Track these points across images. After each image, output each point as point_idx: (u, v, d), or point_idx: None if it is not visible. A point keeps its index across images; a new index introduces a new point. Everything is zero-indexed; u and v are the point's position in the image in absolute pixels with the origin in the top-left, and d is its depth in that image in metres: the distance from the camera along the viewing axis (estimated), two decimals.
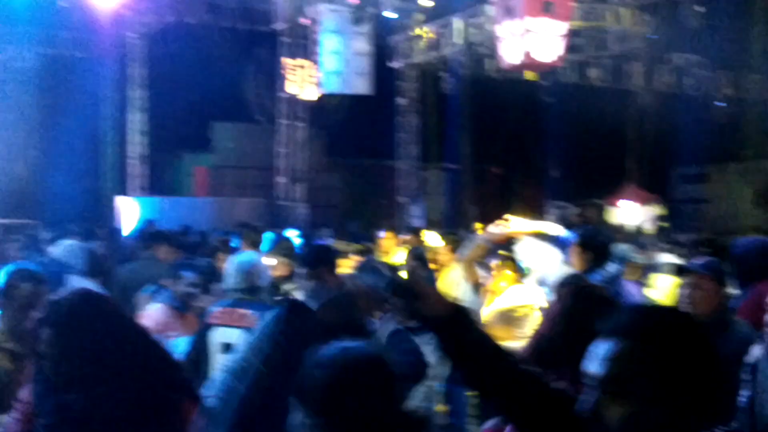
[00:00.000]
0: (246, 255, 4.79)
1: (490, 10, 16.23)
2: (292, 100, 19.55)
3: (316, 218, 19.43)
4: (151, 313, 5.41)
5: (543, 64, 14.66)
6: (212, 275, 6.23)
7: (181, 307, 5.43)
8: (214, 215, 17.17)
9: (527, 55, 14.07)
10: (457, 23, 18.54)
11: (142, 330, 2.77)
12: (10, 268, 5.10)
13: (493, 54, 16.48)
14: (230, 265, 4.54)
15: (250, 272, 4.45)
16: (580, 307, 2.54)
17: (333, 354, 1.81)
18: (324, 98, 19.67)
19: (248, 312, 4.29)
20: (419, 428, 1.92)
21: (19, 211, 17.42)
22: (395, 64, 20.71)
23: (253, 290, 4.49)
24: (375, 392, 1.77)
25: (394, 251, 8.40)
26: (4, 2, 17.87)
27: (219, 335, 4.35)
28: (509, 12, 14.24)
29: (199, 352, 4.33)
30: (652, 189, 22.88)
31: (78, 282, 6.17)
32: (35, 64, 20.99)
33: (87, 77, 20.75)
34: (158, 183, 21.26)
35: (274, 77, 20.13)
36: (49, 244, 9.72)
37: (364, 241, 9.54)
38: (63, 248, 6.94)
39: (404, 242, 8.88)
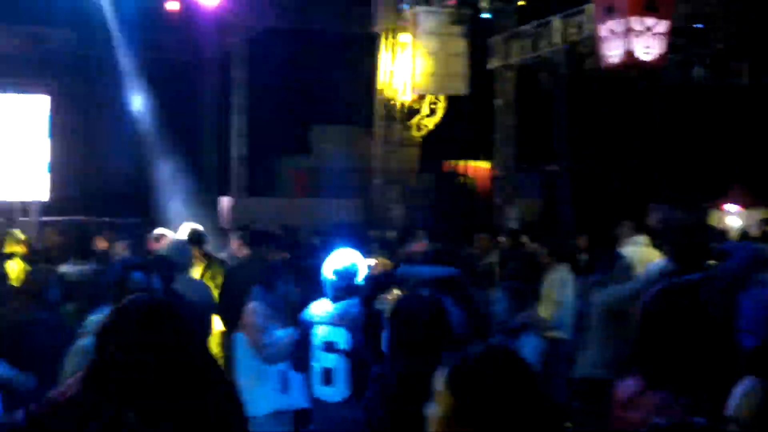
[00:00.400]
0: (345, 255, 4.87)
1: (590, 8, 15.96)
2: (389, 101, 19.69)
3: (411, 220, 19.50)
4: (255, 311, 5.55)
5: (645, 63, 14.30)
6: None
7: (283, 305, 5.56)
8: (312, 216, 17.42)
9: (629, 54, 13.78)
10: (556, 22, 18.28)
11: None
12: (121, 262, 5.33)
13: (592, 53, 16.18)
14: (330, 265, 4.61)
15: (349, 272, 4.50)
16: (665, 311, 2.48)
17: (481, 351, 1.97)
18: (420, 99, 19.72)
19: (349, 311, 4.35)
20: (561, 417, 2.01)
21: (126, 210, 18.10)
22: (492, 65, 20.56)
23: (351, 289, 4.55)
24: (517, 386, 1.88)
25: (490, 252, 8.37)
26: (114, 9, 18.61)
27: (321, 333, 4.43)
28: (611, 10, 13.97)
29: (303, 350, 4.41)
30: (758, 192, 22.00)
31: (185, 279, 6.40)
32: (140, 68, 21.79)
33: (191, 81, 21.43)
34: (258, 184, 21.72)
35: (371, 79, 20.30)
36: (155, 243, 10.09)
37: (459, 243, 9.52)
38: (170, 246, 7.21)
39: (500, 244, 8.83)
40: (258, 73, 21.00)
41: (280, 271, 5.81)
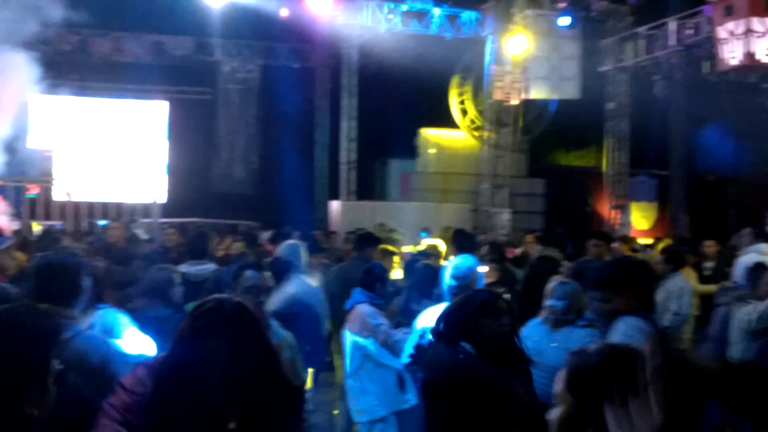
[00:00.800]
0: (462, 259, 4.87)
1: (707, 9, 15.46)
2: (497, 105, 19.59)
3: (519, 224, 19.33)
4: (358, 311, 5.64)
5: (766, 66, 13.76)
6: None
7: (384, 305, 5.63)
8: (419, 220, 17.49)
9: (749, 56, 13.29)
10: (671, 24, 17.78)
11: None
12: (238, 262, 5.52)
13: (710, 56, 15.67)
14: (447, 269, 4.63)
15: (466, 276, 4.51)
16: None
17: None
18: (530, 103, 19.55)
19: None
20: None
21: (240, 213, 18.64)
22: (604, 68, 20.17)
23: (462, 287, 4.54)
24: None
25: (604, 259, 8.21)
26: (230, 19, 19.21)
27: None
28: (730, 12, 13.51)
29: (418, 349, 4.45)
30: None
31: (299, 279, 6.56)
32: (256, 75, 22.44)
33: (303, 86, 21.88)
34: (366, 188, 21.97)
35: (479, 83, 20.27)
36: (269, 244, 10.36)
37: (572, 248, 9.39)
38: (284, 248, 7.38)
39: (613, 250, 8.67)
40: (367, 79, 21.25)
41: (381, 273, 5.88)
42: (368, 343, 5.51)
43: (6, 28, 16.72)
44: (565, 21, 18.17)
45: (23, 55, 16.01)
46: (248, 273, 5.41)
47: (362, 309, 5.66)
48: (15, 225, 13.79)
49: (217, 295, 2.68)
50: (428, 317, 4.57)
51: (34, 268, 3.59)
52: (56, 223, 15.32)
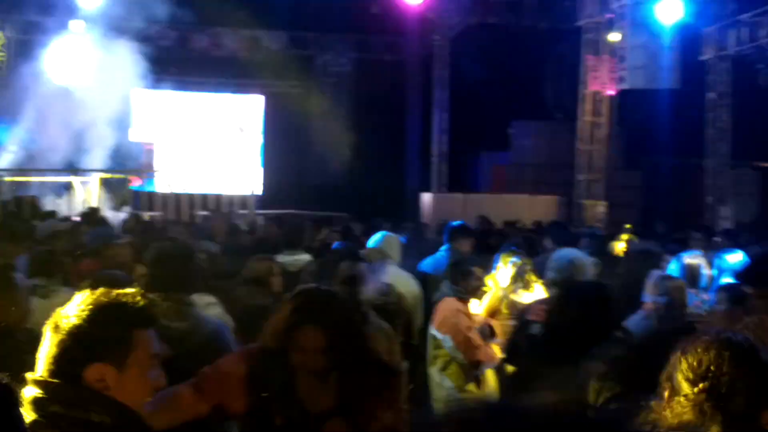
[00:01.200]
0: (567, 251, 4.76)
1: None
2: (593, 96, 19.24)
3: (614, 217, 18.94)
4: (450, 308, 5.63)
5: None
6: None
7: (468, 300, 5.58)
8: (512, 212, 17.35)
9: None
10: None
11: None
12: (335, 252, 5.59)
13: None
14: (551, 260, 4.56)
15: (570, 268, 4.44)
16: None
17: None
18: (626, 94, 19.10)
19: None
20: None
21: (333, 205, 18.86)
22: (705, 56, 19.53)
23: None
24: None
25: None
26: (323, 12, 19.45)
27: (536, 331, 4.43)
28: None
29: (517, 345, 4.43)
30: None
31: (394, 271, 6.61)
32: (349, 68, 22.65)
33: (395, 79, 21.98)
34: (458, 180, 21.92)
35: (574, 74, 19.92)
36: (362, 236, 10.45)
37: (672, 242, 9.15)
38: (379, 239, 7.45)
39: (717, 245, 8.41)
40: (460, 71, 21.18)
41: (469, 265, 5.84)
42: (445, 339, 5.52)
43: (114, 24, 17.42)
44: (663, 8, 17.67)
45: (129, 51, 16.61)
46: (344, 263, 5.46)
47: (446, 303, 5.63)
48: (120, 216, 14.35)
49: (310, 285, 2.83)
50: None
51: (153, 256, 3.74)
52: (157, 214, 15.87)
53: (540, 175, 21.51)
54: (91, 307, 1.94)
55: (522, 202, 18.76)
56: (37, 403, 1.84)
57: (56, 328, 1.93)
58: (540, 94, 22.11)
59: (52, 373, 1.90)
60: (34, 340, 2.03)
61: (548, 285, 4.48)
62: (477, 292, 5.37)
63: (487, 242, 9.53)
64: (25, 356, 2.63)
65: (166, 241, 4.36)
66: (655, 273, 4.95)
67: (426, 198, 19.98)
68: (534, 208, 18.18)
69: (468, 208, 17.09)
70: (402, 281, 6.54)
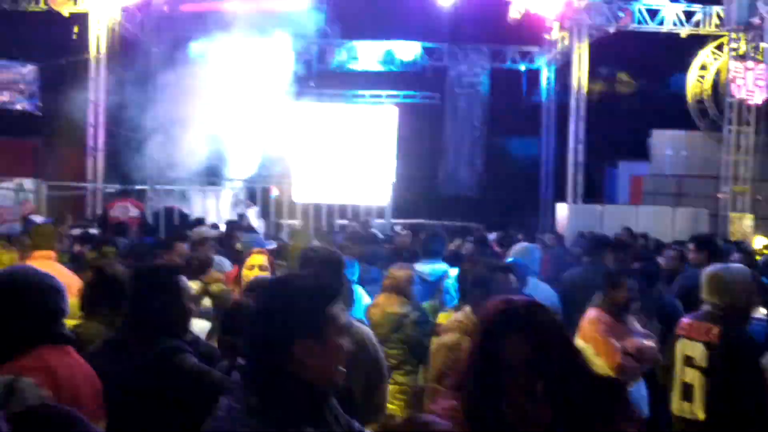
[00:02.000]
0: (724, 269, 4.50)
1: None
2: (739, 105, 18.43)
3: (762, 231, 18.06)
4: (590, 317, 5.51)
5: None
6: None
7: (617, 312, 5.42)
8: (651, 224, 16.82)
9: None
10: None
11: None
12: (486, 264, 5.57)
13: None
14: (704, 277, 4.36)
15: (724, 287, 4.24)
16: None
17: None
18: None
19: (715, 327, 4.15)
20: None
21: (465, 215, 18.85)
22: None
23: (729, 307, 4.23)
24: None
25: None
26: (457, 23, 19.52)
27: (683, 347, 4.29)
28: None
29: (669, 360, 4.30)
30: None
31: (535, 283, 6.55)
32: (483, 78, 22.61)
33: (529, 88, 21.79)
34: (594, 190, 21.45)
35: (718, 82, 19.17)
36: (496, 246, 10.41)
37: None
38: (518, 250, 7.40)
39: None
40: (597, 79, 20.76)
41: (621, 277, 5.67)
42: (586, 348, 5.38)
43: (259, 37, 18.09)
44: None
45: (273, 63, 17.19)
46: (497, 275, 5.31)
47: (590, 313, 5.49)
48: (260, 223, 14.86)
49: (507, 296, 2.70)
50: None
51: (305, 261, 3.88)
52: (295, 222, 16.33)
53: (681, 186, 20.75)
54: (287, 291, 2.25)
55: (663, 214, 18.15)
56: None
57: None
58: (681, 103, 21.34)
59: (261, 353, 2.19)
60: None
61: (707, 304, 4.25)
62: (626, 304, 5.22)
63: (631, 255, 9.28)
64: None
65: (317, 250, 4.48)
66: None
67: (562, 208, 19.64)
68: (677, 220, 17.56)
69: (606, 220, 16.70)
70: (542, 293, 6.48)
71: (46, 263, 5.59)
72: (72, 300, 4.70)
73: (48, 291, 2.75)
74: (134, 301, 3.30)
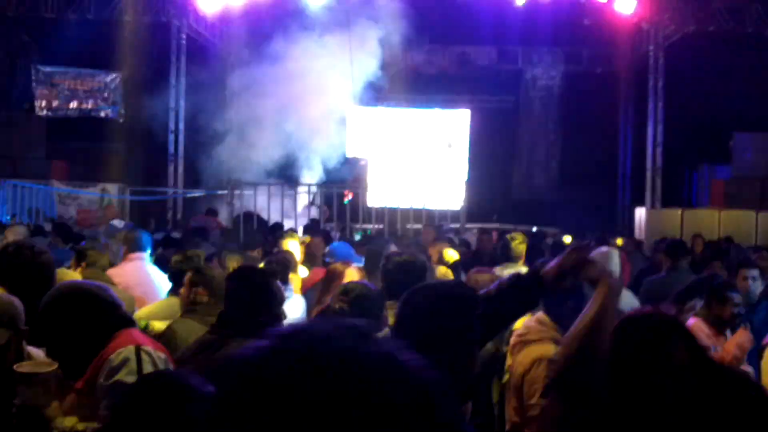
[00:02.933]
0: None
1: None
2: None
3: None
4: (690, 327, 5.40)
5: None
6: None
7: (720, 327, 5.30)
8: (734, 229, 16.40)
9: None
10: None
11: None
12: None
13: None
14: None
15: None
16: None
17: None
18: None
19: None
20: None
21: (539, 219, 18.67)
22: None
23: None
24: None
25: None
26: (532, 26, 19.37)
27: None
28: None
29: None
30: None
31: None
32: (558, 81, 22.39)
33: (606, 91, 21.46)
34: (673, 195, 21.02)
35: None
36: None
37: None
38: (598, 255, 7.32)
39: None
40: (676, 81, 20.33)
41: (724, 292, 5.54)
42: None
43: (334, 39, 18.26)
44: None
45: (347, 67, 17.30)
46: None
47: (689, 324, 5.40)
48: (333, 227, 15.00)
49: (656, 306, 3.00)
50: None
51: (393, 267, 3.95)
52: (369, 227, 16.43)
53: (765, 189, 20.16)
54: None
55: (746, 219, 17.67)
56: None
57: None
58: (765, 105, 20.74)
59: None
60: None
61: None
62: (732, 320, 5.05)
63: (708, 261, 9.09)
64: None
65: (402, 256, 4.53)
66: None
67: (640, 213, 19.30)
68: (762, 224, 17.07)
69: (686, 224, 16.34)
70: (624, 299, 6.41)
71: (138, 264, 5.81)
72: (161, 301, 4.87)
73: (105, 289, 3.12)
74: (230, 300, 3.39)
